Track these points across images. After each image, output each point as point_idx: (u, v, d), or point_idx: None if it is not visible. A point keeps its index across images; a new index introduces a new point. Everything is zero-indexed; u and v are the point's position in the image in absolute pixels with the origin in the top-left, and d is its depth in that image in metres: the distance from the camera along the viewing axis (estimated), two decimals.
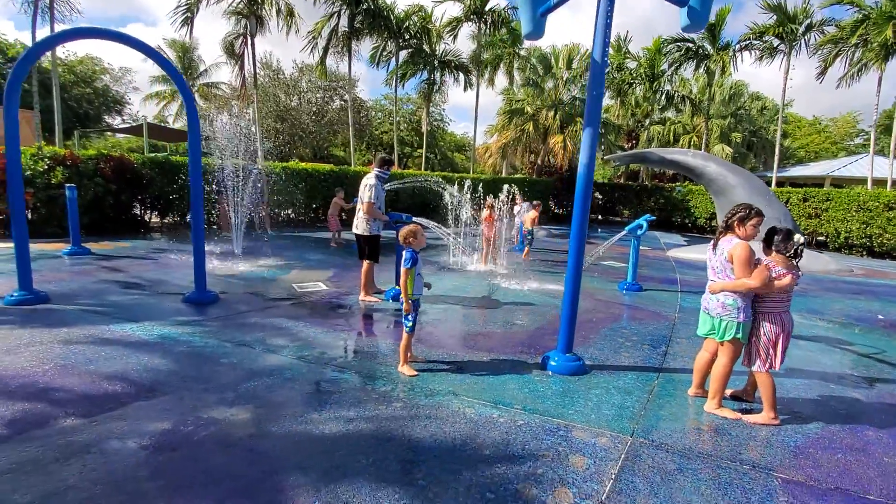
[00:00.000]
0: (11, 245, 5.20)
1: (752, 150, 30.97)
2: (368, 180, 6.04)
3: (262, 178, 9.67)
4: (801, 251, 3.40)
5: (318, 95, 30.06)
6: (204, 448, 2.64)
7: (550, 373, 4.07)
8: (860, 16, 16.13)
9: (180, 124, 36.28)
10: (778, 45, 19.20)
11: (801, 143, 46.53)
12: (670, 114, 27.74)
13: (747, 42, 19.76)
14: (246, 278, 7.02)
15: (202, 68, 37.05)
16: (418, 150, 45.94)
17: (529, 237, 10.16)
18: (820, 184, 23.55)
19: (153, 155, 13.07)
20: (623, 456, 2.84)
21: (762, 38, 19.33)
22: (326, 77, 21.80)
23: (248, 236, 9.42)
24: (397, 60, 20.70)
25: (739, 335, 3.36)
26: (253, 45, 17.64)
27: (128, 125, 35.33)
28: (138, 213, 11.10)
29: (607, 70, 24.70)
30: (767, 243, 3.48)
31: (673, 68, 22.24)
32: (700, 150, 22.64)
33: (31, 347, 3.87)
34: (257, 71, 21.01)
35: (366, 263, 6.17)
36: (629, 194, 22.03)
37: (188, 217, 12.17)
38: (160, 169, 10.68)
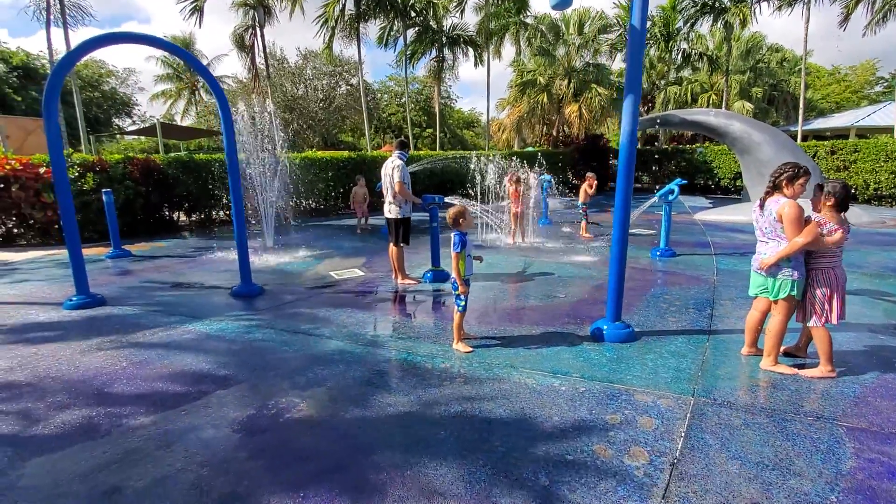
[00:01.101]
0: (54, 252, 5.41)
1: (774, 104, 30.01)
2: (393, 162, 6.08)
3: (286, 169, 9.75)
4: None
5: (323, 82, 29.90)
6: (291, 430, 2.79)
7: (602, 341, 4.14)
8: None
9: (189, 121, 36.59)
10: None
11: (822, 94, 44.90)
12: (686, 73, 26.92)
13: None
14: (283, 270, 7.19)
15: (204, 63, 37.05)
16: (428, 130, 45.64)
17: (585, 212, 9.99)
18: (845, 135, 22.79)
19: (177, 154, 13.26)
20: (689, 415, 2.92)
21: None
22: (333, 62, 21.60)
23: (275, 229, 9.59)
24: (405, 40, 20.38)
25: (794, 292, 3.38)
26: (263, 36, 17.57)
27: (138, 126, 35.77)
28: (167, 213, 11.33)
29: (620, 32, 24.13)
30: (817, 199, 3.46)
31: (689, 25, 21.50)
32: (720, 108, 22.04)
33: (103, 348, 4.08)
34: (259, 63, 20.99)
35: (395, 248, 6.25)
36: (649, 159, 21.64)
37: (214, 214, 12.41)
38: (185, 168, 10.86)
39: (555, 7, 4.55)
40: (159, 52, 34.50)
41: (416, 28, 20.56)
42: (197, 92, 35.74)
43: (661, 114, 15.89)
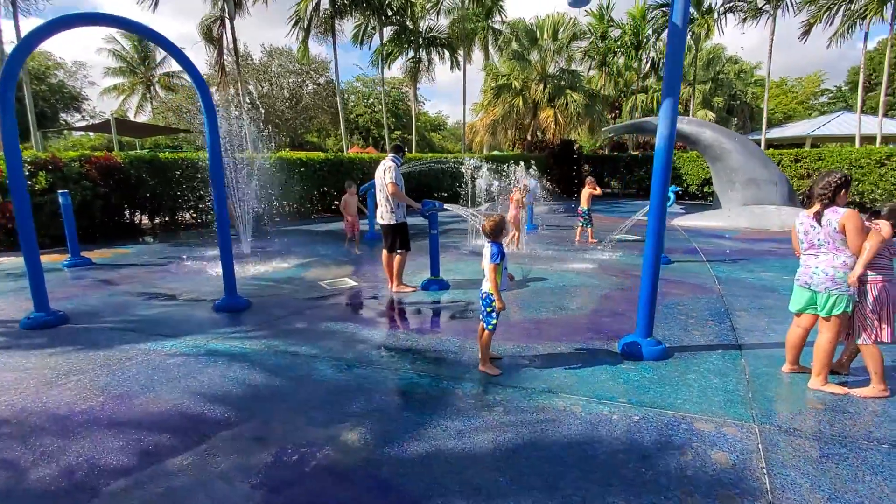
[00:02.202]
0: (9, 259, 4.68)
1: (733, 113, 31.34)
2: (385, 164, 5.69)
3: (262, 170, 9.09)
4: None
5: (290, 80, 28.84)
6: (322, 480, 2.35)
7: (635, 358, 3.89)
8: None
9: (144, 118, 34.52)
10: (763, 6, 19.18)
11: (772, 105, 47.47)
12: (651, 81, 27.67)
13: (731, 4, 19.68)
14: (267, 280, 6.61)
15: (160, 57, 35.12)
16: (396, 132, 45.03)
17: (587, 217, 9.62)
18: (801, 144, 23.99)
19: (139, 152, 12.27)
20: (760, 446, 2.68)
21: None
22: (308, 60, 20.74)
23: (252, 235, 8.93)
24: (381, 38, 19.83)
25: (849, 309, 3.23)
26: (233, 28, 16.58)
27: (88, 122, 33.43)
28: (130, 216, 10.40)
29: (591, 39, 24.51)
30: (874, 214, 3.34)
31: (656, 35, 22.04)
32: (685, 116, 22.68)
33: (74, 377, 3.47)
34: (225, 58, 19.93)
35: (398, 255, 5.84)
36: (619, 165, 22.02)
37: (179, 217, 11.52)
38: (149, 167, 9.98)
39: (572, 5, 4.32)
40: (111, 45, 32.46)
41: (394, 27, 20.08)
42: (153, 87, 33.78)
43: (637, 120, 16.12)
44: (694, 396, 3.27)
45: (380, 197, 5.76)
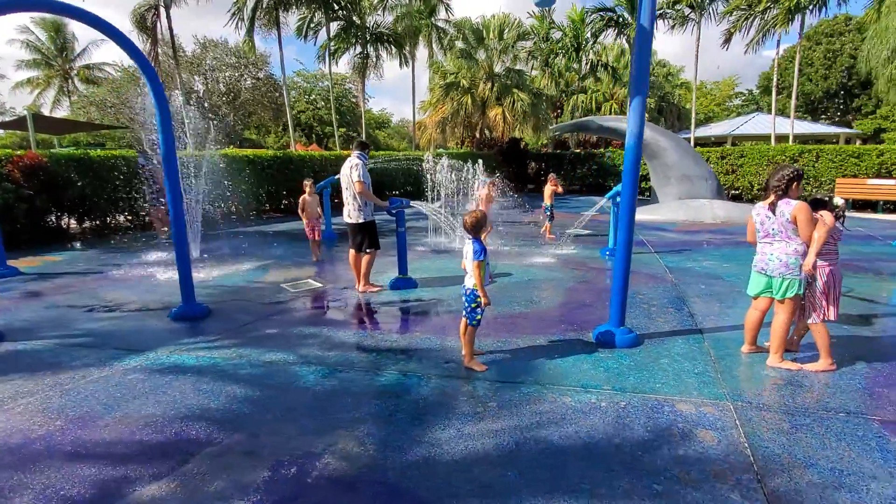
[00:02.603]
0: None
1: (662, 113, 33.40)
2: (351, 162, 5.54)
3: (209, 167, 8.54)
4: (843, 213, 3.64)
5: (226, 74, 27.33)
6: (327, 491, 2.26)
7: (610, 347, 4.05)
8: None
9: (62, 113, 31.42)
10: (689, 14, 20.60)
11: (687, 107, 51.14)
12: (588, 82, 28.89)
13: (661, 11, 20.96)
14: (224, 285, 6.24)
15: (78, 49, 32.16)
16: (341, 129, 44.04)
17: (550, 213, 9.83)
18: (723, 142, 26.01)
19: (68, 150, 11.13)
20: (738, 422, 2.88)
21: (675, 7, 20.63)
22: (254, 53, 19.69)
23: (200, 236, 8.39)
24: (328, 33, 19.23)
25: (801, 291, 3.54)
26: (169, 17, 15.38)
27: None
28: (57, 220, 9.42)
29: (534, 40, 25.19)
30: (817, 205, 3.67)
31: (595, 38, 23.06)
32: (623, 116, 23.89)
33: (21, 400, 3.10)
34: (158, 50, 18.56)
35: (366, 255, 5.72)
36: (563, 162, 22.82)
37: (111, 220, 10.59)
38: (79, 167, 9.09)
39: (538, 4, 4.43)
40: (25, 35, 29.27)
41: (340, 23, 19.53)
42: (71, 80, 30.82)
43: (581, 119, 16.77)
44: (670, 380, 3.46)
45: (346, 195, 5.61)
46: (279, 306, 5.28)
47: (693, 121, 22.16)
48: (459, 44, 22.81)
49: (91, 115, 25.39)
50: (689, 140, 22.13)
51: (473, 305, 3.60)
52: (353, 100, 45.70)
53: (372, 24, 20.99)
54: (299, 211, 7.70)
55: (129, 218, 10.62)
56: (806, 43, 25.49)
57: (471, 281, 3.59)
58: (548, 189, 9.76)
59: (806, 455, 2.54)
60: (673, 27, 21.62)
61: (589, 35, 23.34)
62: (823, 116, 40.27)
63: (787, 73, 36.70)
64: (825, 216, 3.54)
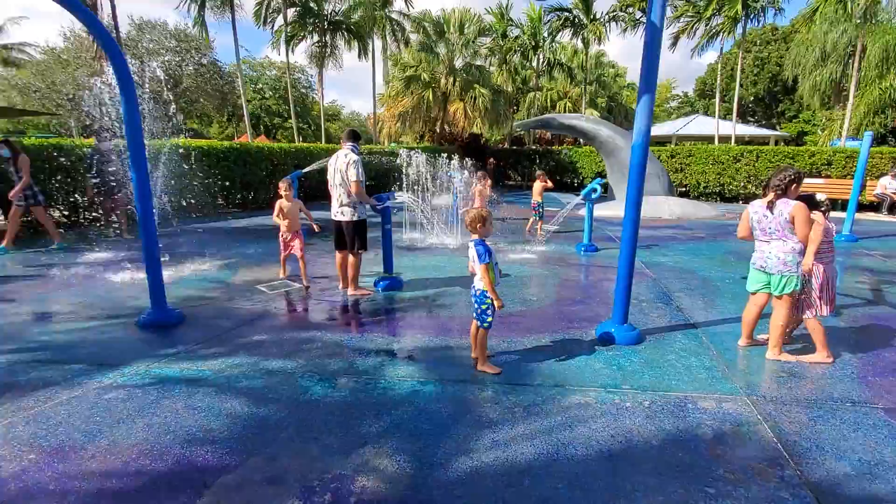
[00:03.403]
0: None
1: (612, 113, 34.70)
2: (348, 157, 5.16)
3: (166, 158, 7.81)
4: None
5: (166, 58, 25.38)
6: None
7: (615, 344, 4.05)
8: None
9: None
10: (640, 17, 21.42)
11: (632, 107, 53.66)
12: (544, 80, 29.50)
13: (615, 13, 21.70)
14: (192, 287, 5.73)
15: None
16: (290, 121, 42.36)
17: (540, 210, 9.66)
18: (668, 142, 27.37)
19: None
20: (759, 417, 2.93)
21: (627, 10, 21.39)
22: (206, 35, 18.28)
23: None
24: (285, 18, 18.23)
25: (798, 287, 3.68)
26: None
27: None
28: None
29: (493, 37, 25.27)
30: (809, 203, 3.81)
31: (552, 37, 23.51)
32: (581, 113, 24.55)
33: None
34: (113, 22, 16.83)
35: (354, 257, 5.42)
36: (522, 158, 23.15)
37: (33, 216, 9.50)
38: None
39: None
40: None
41: (297, 8, 18.57)
42: None
43: (545, 117, 17.01)
44: (683, 376, 3.49)
45: (339, 191, 5.23)
46: (260, 309, 4.90)
47: None
48: (415, 37, 22.50)
49: (12, 99, 22.77)
50: None
51: (483, 307, 3.46)
52: (303, 90, 44.12)
53: (330, 11, 20.20)
54: (275, 218, 5.86)
55: (66, 213, 9.58)
56: (736, 50, 27.35)
57: (480, 283, 3.45)
58: (538, 186, 9.63)
59: (832, 447, 2.62)
60: (625, 30, 22.43)
61: (546, 34, 23.74)
62: (752, 119, 43.39)
63: (721, 78, 39.26)
64: (817, 216, 3.69)
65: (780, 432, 2.76)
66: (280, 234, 5.99)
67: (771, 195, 3.72)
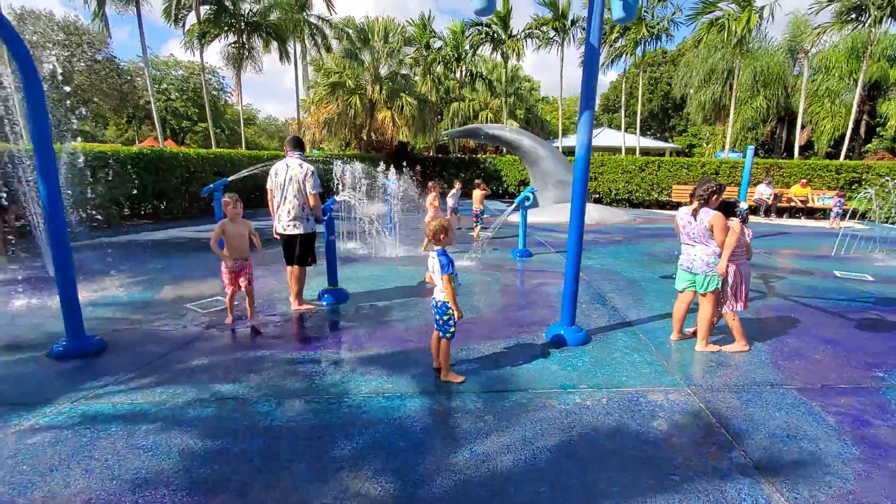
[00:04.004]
0: None
1: (530, 124, 36.48)
2: (306, 167, 4.90)
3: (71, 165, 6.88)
4: (747, 215, 4.35)
5: (53, 53, 22.50)
6: None
7: (566, 345, 4.26)
8: None
9: None
10: (553, 36, 22.85)
11: (548, 119, 57.07)
12: (466, 91, 30.32)
13: (530, 31, 22.93)
14: (109, 309, 5.13)
15: None
16: (201, 125, 39.44)
17: (481, 217, 9.82)
18: None
19: None
20: (702, 405, 3.24)
21: (541, 29, 22.70)
22: (109, 32, 16.19)
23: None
24: (198, 16, 16.87)
25: (720, 285, 4.13)
26: None
27: None
28: None
29: (417, 48, 25.49)
30: (728, 210, 4.29)
31: (473, 50, 24.26)
32: (505, 125, 25.53)
33: None
34: None
35: (299, 268, 5.18)
36: (448, 166, 23.55)
37: None
38: None
39: (478, 13, 4.47)
40: None
41: (211, 6, 17.30)
42: None
43: (471, 126, 17.48)
44: (631, 372, 3.76)
45: (292, 203, 4.94)
46: (194, 331, 4.51)
47: (560, 132, 24.66)
48: (335, 43, 22.01)
49: None
50: (557, 149, 24.53)
51: (445, 318, 3.49)
52: (215, 92, 41.37)
53: (247, 11, 19.15)
54: (213, 244, 4.58)
55: None
56: (634, 70, 30.37)
57: (441, 294, 3.48)
58: (478, 193, 9.85)
59: (764, 426, 2.97)
60: (539, 47, 23.78)
61: (468, 47, 24.46)
62: (649, 133, 47.95)
63: (623, 95, 43.07)
64: (734, 224, 4.17)
65: (721, 417, 3.08)
66: (222, 263, 4.69)
67: (696, 204, 4.15)
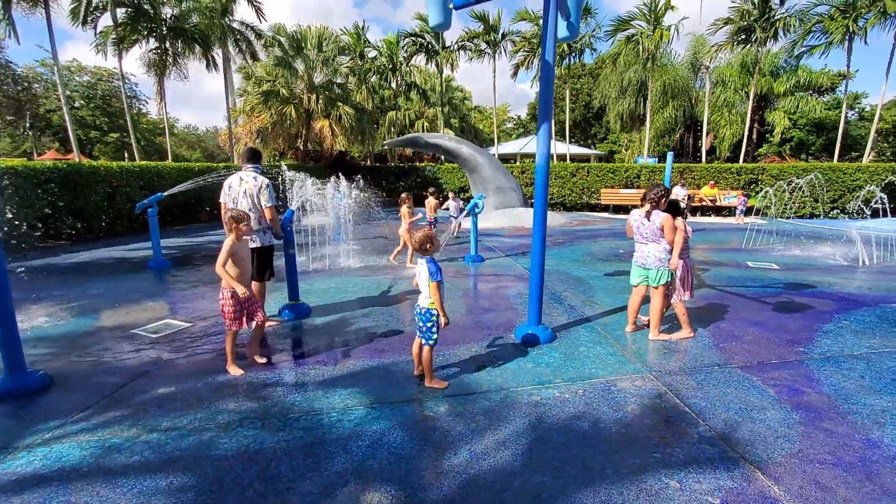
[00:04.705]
0: None
1: (464, 132, 37.34)
2: (261, 180, 4.76)
3: None
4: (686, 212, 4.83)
5: None
6: None
7: (535, 345, 4.48)
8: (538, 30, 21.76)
9: None
10: (485, 48, 23.69)
11: (482, 127, 58.80)
12: (402, 101, 30.50)
13: (463, 43, 23.61)
14: (46, 340, 4.64)
15: None
16: (112, 135, 36.27)
17: (434, 225, 10.06)
18: (513, 159, 30.57)
19: None
20: (665, 388, 3.58)
21: (473, 41, 23.45)
22: (17, 35, 14.18)
23: None
24: (114, 19, 15.43)
25: (670, 279, 4.56)
26: None
27: None
28: None
29: (352, 57, 25.27)
30: (674, 210, 4.74)
31: (408, 60, 24.52)
32: (443, 133, 25.95)
33: None
34: None
35: (258, 283, 5.01)
36: (388, 175, 23.53)
37: None
38: None
39: (434, 28, 4.65)
40: None
41: (127, 9, 15.95)
42: None
43: (411, 135, 17.62)
44: (599, 364, 4.05)
45: (254, 217, 4.77)
46: (151, 357, 4.22)
47: (496, 140, 25.55)
48: (263, 51, 21.28)
49: None
50: (494, 157, 25.32)
51: (429, 325, 3.57)
52: (126, 100, 38.23)
53: (169, 16, 17.96)
54: (222, 269, 3.69)
55: None
56: (557, 82, 32.32)
57: (426, 301, 3.56)
58: (431, 202, 10.06)
59: (720, 402, 3.34)
60: (471, 59, 24.54)
61: (403, 58, 24.67)
62: (573, 140, 50.89)
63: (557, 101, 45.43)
64: (679, 223, 4.63)
65: (683, 397, 3.42)
66: (224, 294, 3.78)
67: (648, 206, 4.54)
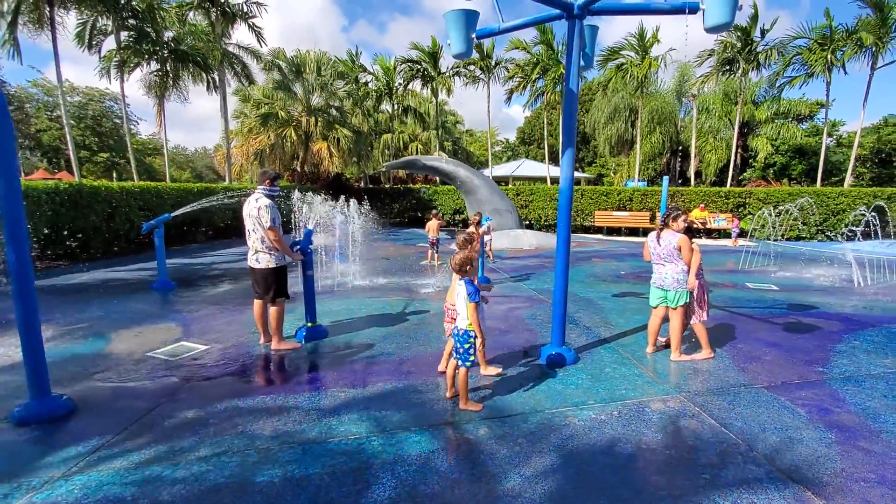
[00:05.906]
0: None
1: (457, 155, 37.85)
2: (262, 200, 4.77)
3: None
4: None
5: None
6: None
7: (561, 365, 4.50)
8: (534, 58, 22.42)
9: None
10: (479, 75, 24.27)
11: (473, 149, 59.69)
12: (396, 124, 30.91)
13: (458, 70, 24.18)
14: (63, 364, 4.51)
15: None
16: (102, 155, 35.97)
17: (437, 245, 10.69)
18: (506, 181, 30.99)
19: None
20: (698, 409, 3.61)
21: (468, 68, 24.04)
22: (20, 56, 14.08)
23: None
24: (118, 42, 15.48)
25: (688, 300, 4.64)
26: None
27: None
28: None
29: (349, 81, 25.66)
30: (690, 233, 4.87)
31: (404, 85, 24.97)
32: (441, 156, 26.30)
33: None
34: None
35: (276, 305, 4.97)
36: (384, 197, 23.65)
37: None
38: None
39: (457, 56, 4.80)
40: None
41: (130, 32, 16.02)
42: None
43: (409, 158, 17.83)
44: (628, 385, 4.07)
45: (253, 237, 4.80)
46: (174, 381, 4.13)
47: (490, 161, 25.93)
48: (261, 74, 21.59)
49: None
50: (490, 179, 25.65)
51: (466, 346, 3.58)
52: (117, 120, 38.12)
53: (170, 39, 18.10)
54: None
55: None
56: (548, 107, 33.27)
57: (464, 322, 3.58)
58: (434, 223, 10.49)
59: (757, 423, 3.38)
60: (466, 84, 25.11)
61: (399, 82, 25.13)
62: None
63: (536, 129, 46.38)
64: (695, 244, 4.75)
65: (718, 418, 3.45)
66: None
67: (677, 225, 4.63)
